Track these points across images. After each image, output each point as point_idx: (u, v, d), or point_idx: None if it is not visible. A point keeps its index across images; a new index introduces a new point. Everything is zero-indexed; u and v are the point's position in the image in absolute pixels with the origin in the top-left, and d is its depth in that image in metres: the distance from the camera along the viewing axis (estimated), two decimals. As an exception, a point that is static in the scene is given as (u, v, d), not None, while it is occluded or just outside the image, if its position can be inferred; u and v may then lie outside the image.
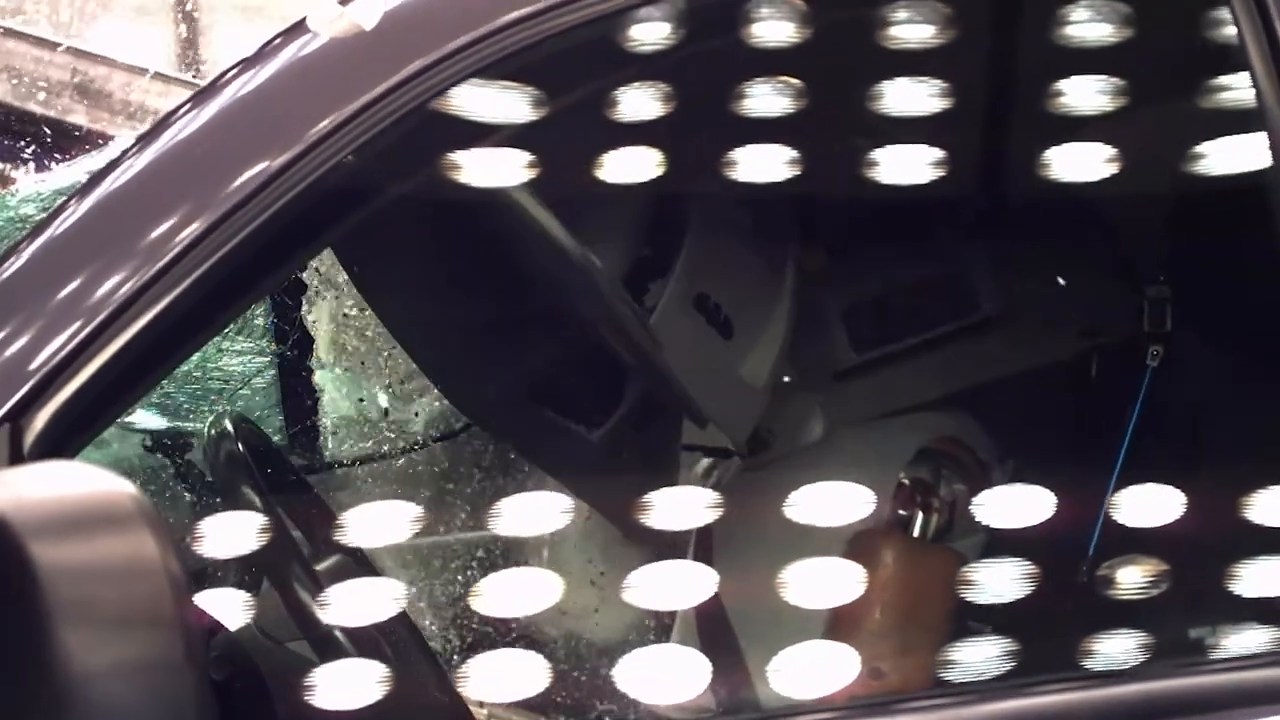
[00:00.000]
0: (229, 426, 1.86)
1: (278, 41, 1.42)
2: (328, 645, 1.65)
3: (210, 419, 1.92)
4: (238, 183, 1.31)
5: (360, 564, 1.86)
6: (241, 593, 1.76)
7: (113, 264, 1.29)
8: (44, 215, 1.38)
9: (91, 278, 1.29)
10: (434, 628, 2.33)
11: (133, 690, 1.01)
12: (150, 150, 1.37)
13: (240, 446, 1.81)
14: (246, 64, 1.43)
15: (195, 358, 2.45)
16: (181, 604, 1.02)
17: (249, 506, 1.73)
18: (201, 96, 1.42)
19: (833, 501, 1.80)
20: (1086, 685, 1.35)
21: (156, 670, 1.01)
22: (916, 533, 2.03)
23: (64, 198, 1.38)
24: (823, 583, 1.71)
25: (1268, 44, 1.43)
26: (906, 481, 2.05)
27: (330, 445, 2.65)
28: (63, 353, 1.26)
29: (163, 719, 1.02)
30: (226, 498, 1.77)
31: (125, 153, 1.39)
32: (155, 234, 1.30)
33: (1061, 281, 2.26)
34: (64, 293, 1.29)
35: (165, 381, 2.05)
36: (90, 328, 1.27)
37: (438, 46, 1.35)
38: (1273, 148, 1.42)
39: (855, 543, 1.98)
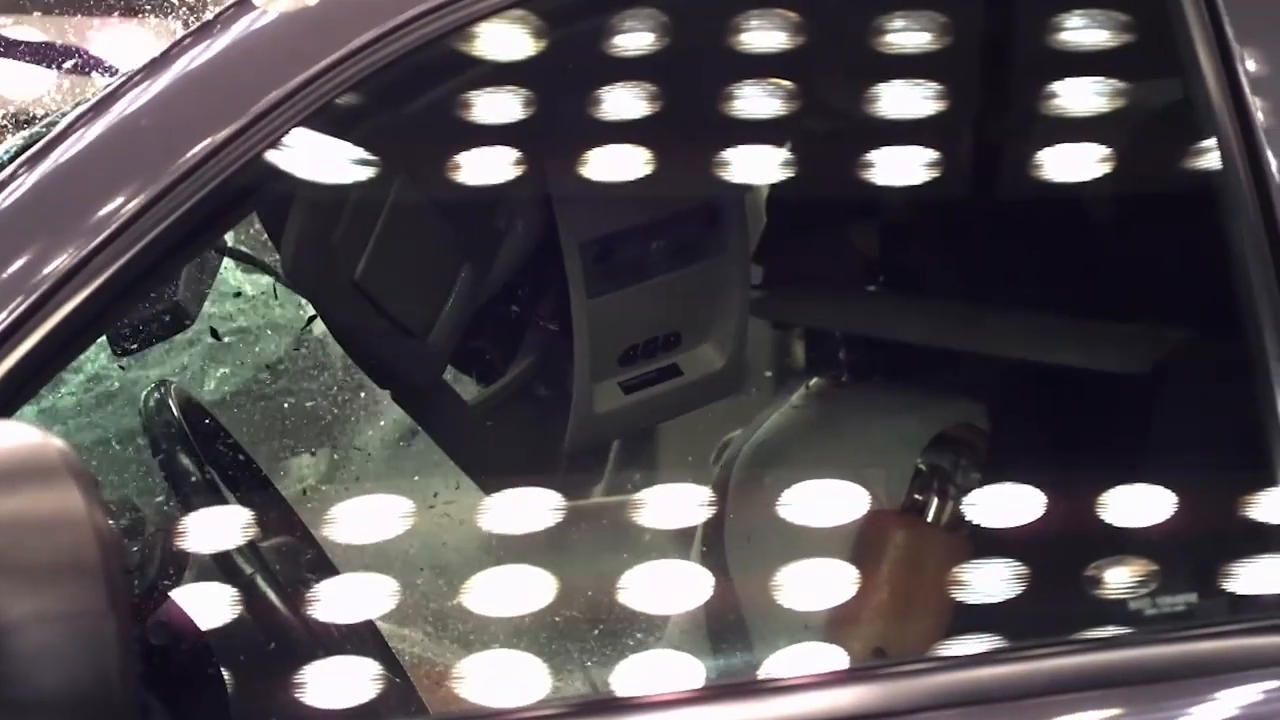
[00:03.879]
0: (166, 396, 1.90)
1: (227, 14, 1.46)
2: (270, 615, 1.70)
3: (146, 389, 1.96)
4: (185, 155, 1.35)
5: (302, 537, 1.91)
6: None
7: (58, 237, 1.33)
8: None
9: (38, 252, 1.33)
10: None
11: (56, 638, 1.07)
12: (100, 120, 1.41)
13: (176, 415, 1.86)
14: (194, 37, 1.47)
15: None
16: (106, 554, 1.07)
17: (186, 476, 1.77)
18: (151, 68, 1.46)
19: (845, 485, 1.86)
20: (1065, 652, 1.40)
21: (80, 619, 1.06)
22: (930, 519, 2.06)
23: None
24: (830, 564, 1.75)
25: (1217, 45, 1.46)
26: (924, 468, 2.08)
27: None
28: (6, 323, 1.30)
29: (86, 666, 1.07)
30: (163, 467, 1.82)
31: (74, 123, 1.43)
32: (102, 206, 1.34)
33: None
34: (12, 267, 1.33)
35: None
36: (32, 300, 1.31)
37: (384, 20, 1.39)
38: (1222, 149, 1.45)
39: (867, 524, 2.01)
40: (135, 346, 2.09)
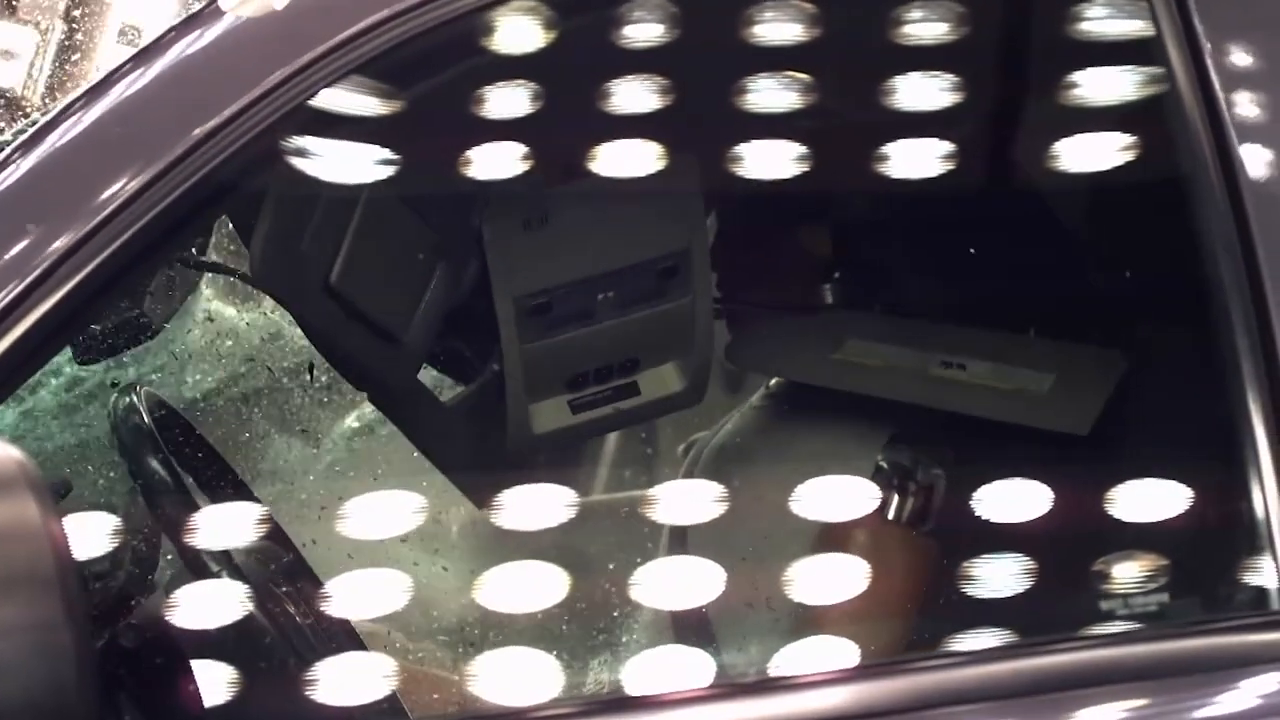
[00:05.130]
0: (135, 400, 1.89)
1: (213, 6, 1.47)
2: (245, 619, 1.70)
3: (115, 394, 1.96)
4: (173, 148, 1.36)
5: (278, 540, 1.90)
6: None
7: (49, 224, 1.35)
8: None
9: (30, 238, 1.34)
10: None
11: (13, 650, 1.06)
12: (89, 111, 1.42)
13: (146, 419, 1.85)
14: (183, 27, 1.47)
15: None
16: (63, 566, 1.07)
17: (156, 481, 1.77)
18: (141, 58, 1.46)
19: (807, 484, 1.85)
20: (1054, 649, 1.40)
21: (36, 630, 1.06)
22: (890, 516, 2.05)
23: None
24: (795, 565, 1.75)
25: (1186, 39, 1.46)
26: (884, 465, 2.07)
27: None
28: None
29: (42, 677, 1.07)
30: (133, 472, 1.81)
31: (65, 111, 1.44)
32: (90, 196, 1.35)
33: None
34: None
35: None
36: (21, 287, 1.31)
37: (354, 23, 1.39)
38: (1191, 143, 1.45)
39: (827, 525, 2.00)
40: (99, 354, 2.08)
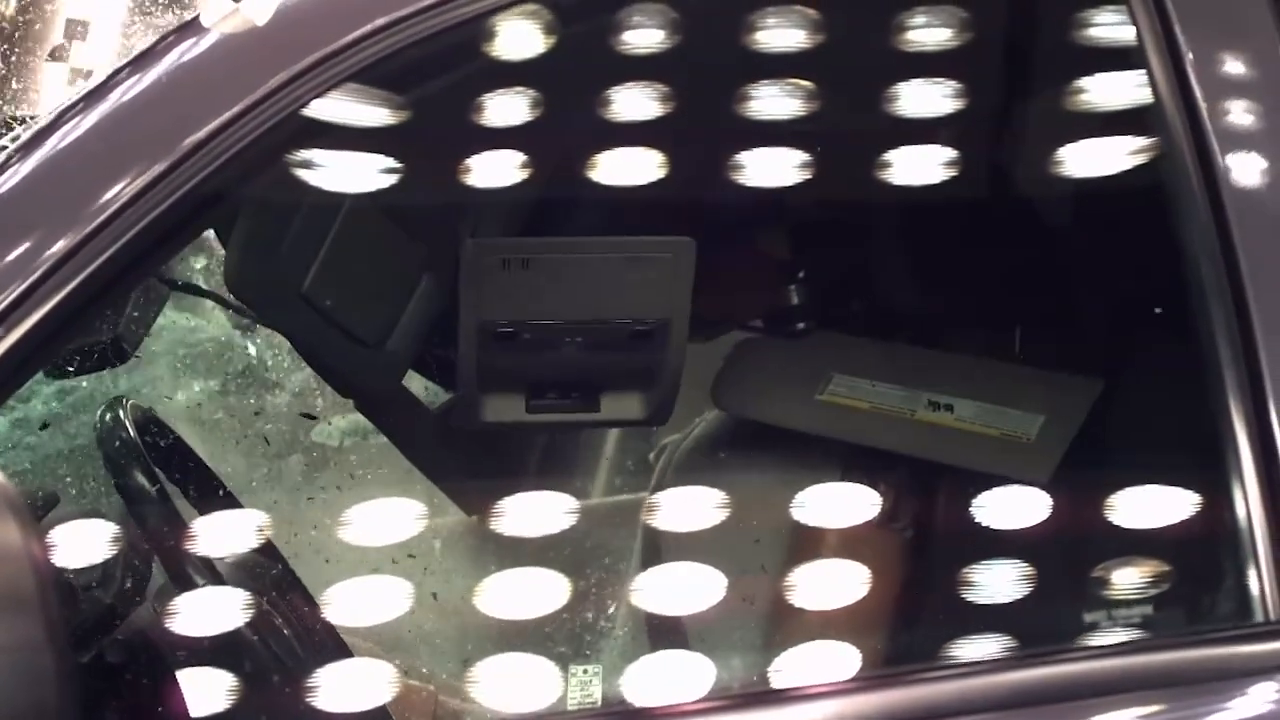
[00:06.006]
0: (121, 414, 1.89)
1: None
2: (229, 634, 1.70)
3: (103, 405, 1.95)
4: (169, 154, 1.37)
5: (266, 552, 1.90)
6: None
7: (48, 230, 1.35)
8: None
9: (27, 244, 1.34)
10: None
11: None
12: (87, 115, 1.43)
13: (131, 432, 1.84)
14: (182, 32, 1.48)
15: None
16: (43, 587, 1.06)
17: (141, 494, 1.76)
18: (136, 64, 1.47)
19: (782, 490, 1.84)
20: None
21: (17, 652, 1.06)
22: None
23: None
24: (767, 564, 1.75)
25: (1165, 43, 1.46)
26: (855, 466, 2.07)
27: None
28: None
29: (24, 699, 1.06)
30: (118, 485, 1.81)
31: (62, 115, 1.44)
32: (86, 202, 1.36)
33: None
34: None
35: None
36: (17, 293, 1.32)
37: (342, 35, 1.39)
38: (1170, 147, 1.45)
39: (801, 527, 2.00)
40: (70, 372, 2.07)
